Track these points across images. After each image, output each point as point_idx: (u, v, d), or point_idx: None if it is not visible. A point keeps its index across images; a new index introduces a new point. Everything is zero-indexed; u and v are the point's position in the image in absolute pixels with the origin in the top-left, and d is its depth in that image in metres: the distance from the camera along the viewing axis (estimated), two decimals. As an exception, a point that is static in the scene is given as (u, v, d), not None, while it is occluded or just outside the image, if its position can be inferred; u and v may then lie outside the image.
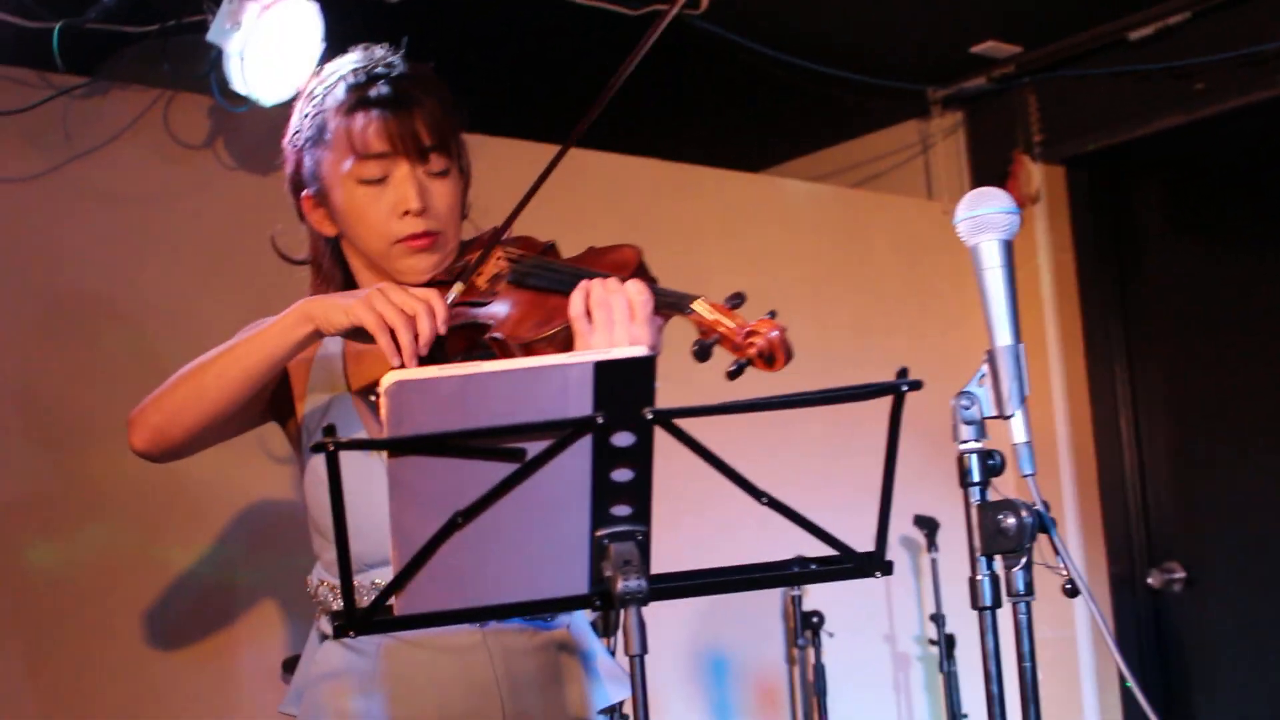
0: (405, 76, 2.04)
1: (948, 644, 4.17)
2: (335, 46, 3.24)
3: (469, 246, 2.08)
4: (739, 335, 1.71)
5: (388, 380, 1.37)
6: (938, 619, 4.20)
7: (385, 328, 1.81)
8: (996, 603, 1.57)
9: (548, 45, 4.12)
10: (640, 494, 1.45)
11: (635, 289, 1.81)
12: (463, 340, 1.92)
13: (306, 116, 2.07)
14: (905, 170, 5.07)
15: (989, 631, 1.58)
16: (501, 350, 1.87)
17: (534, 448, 1.40)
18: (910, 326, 4.66)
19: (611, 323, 1.78)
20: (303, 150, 2.07)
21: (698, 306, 1.77)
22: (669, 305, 1.80)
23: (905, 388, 1.48)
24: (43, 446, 3.08)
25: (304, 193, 2.09)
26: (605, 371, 1.39)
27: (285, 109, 3.26)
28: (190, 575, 3.18)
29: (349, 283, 2.13)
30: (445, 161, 2.04)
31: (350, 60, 2.09)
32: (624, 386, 1.40)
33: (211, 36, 3.11)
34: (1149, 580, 4.66)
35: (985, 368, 1.61)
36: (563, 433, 1.39)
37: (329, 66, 2.11)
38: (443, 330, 1.84)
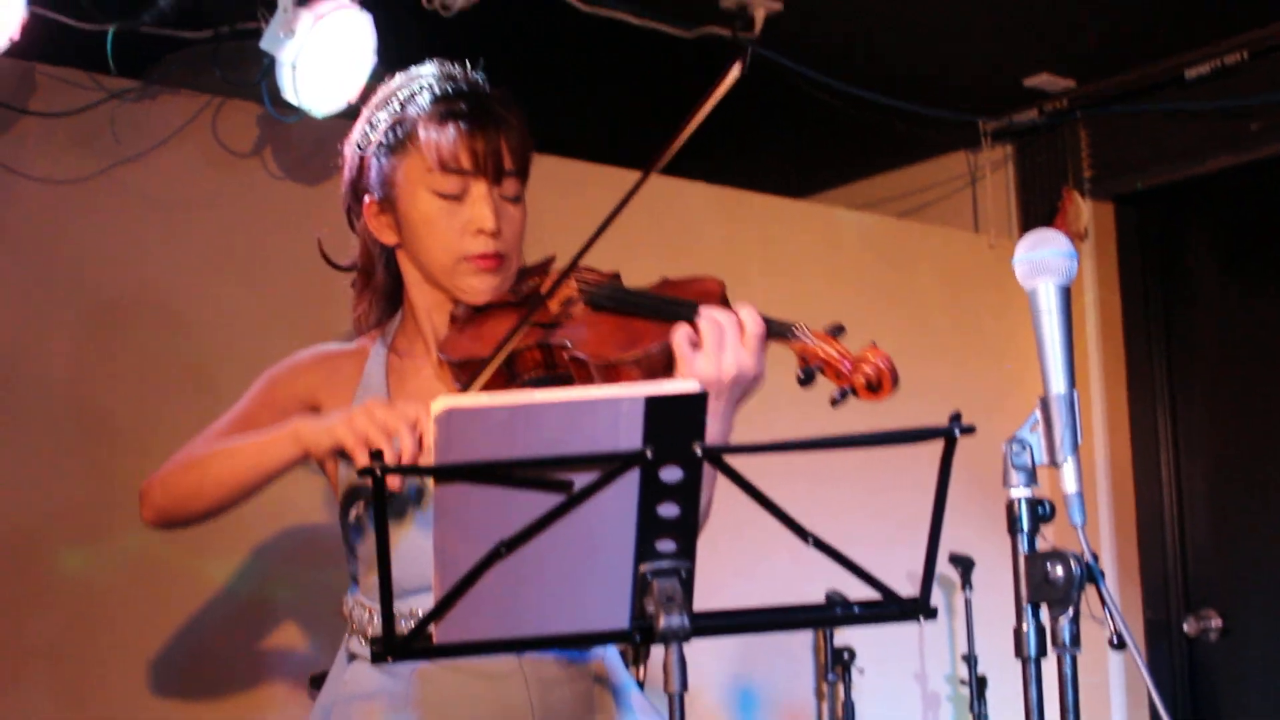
0: (492, 95, 2.03)
1: (979, 686, 4.10)
2: (387, 60, 3.28)
3: (526, 274, 2.06)
4: (845, 363, 1.74)
5: (438, 406, 1.36)
6: (970, 660, 4.13)
7: (365, 446, 1.79)
8: (1041, 653, 1.55)
9: (599, 64, 4.11)
10: (686, 530, 1.44)
11: (749, 314, 1.82)
12: (534, 361, 1.92)
13: (382, 121, 2.04)
14: (952, 202, 5.03)
15: (1033, 682, 1.56)
16: (580, 370, 1.86)
17: (581, 479, 1.40)
18: (954, 360, 4.61)
19: (722, 346, 1.78)
20: (372, 155, 2.04)
21: (802, 334, 1.79)
22: (775, 333, 1.81)
23: (958, 432, 1.46)
24: (82, 453, 3.07)
25: (367, 199, 2.05)
26: (656, 406, 1.38)
27: (335, 120, 3.30)
28: (224, 588, 3.16)
29: (398, 295, 2.11)
30: (519, 187, 2.03)
31: (428, 71, 2.06)
32: (674, 421, 1.39)
33: (265, 44, 3.11)
34: (1184, 627, 4.58)
35: (1038, 414, 1.59)
36: (611, 466, 1.39)
37: (408, 73, 2.07)
38: (426, 451, 1.80)
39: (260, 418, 2.07)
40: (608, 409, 1.39)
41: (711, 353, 1.78)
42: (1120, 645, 1.53)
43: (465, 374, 1.92)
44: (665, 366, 1.82)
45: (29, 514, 2.99)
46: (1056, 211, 4.68)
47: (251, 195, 3.34)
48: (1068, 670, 1.55)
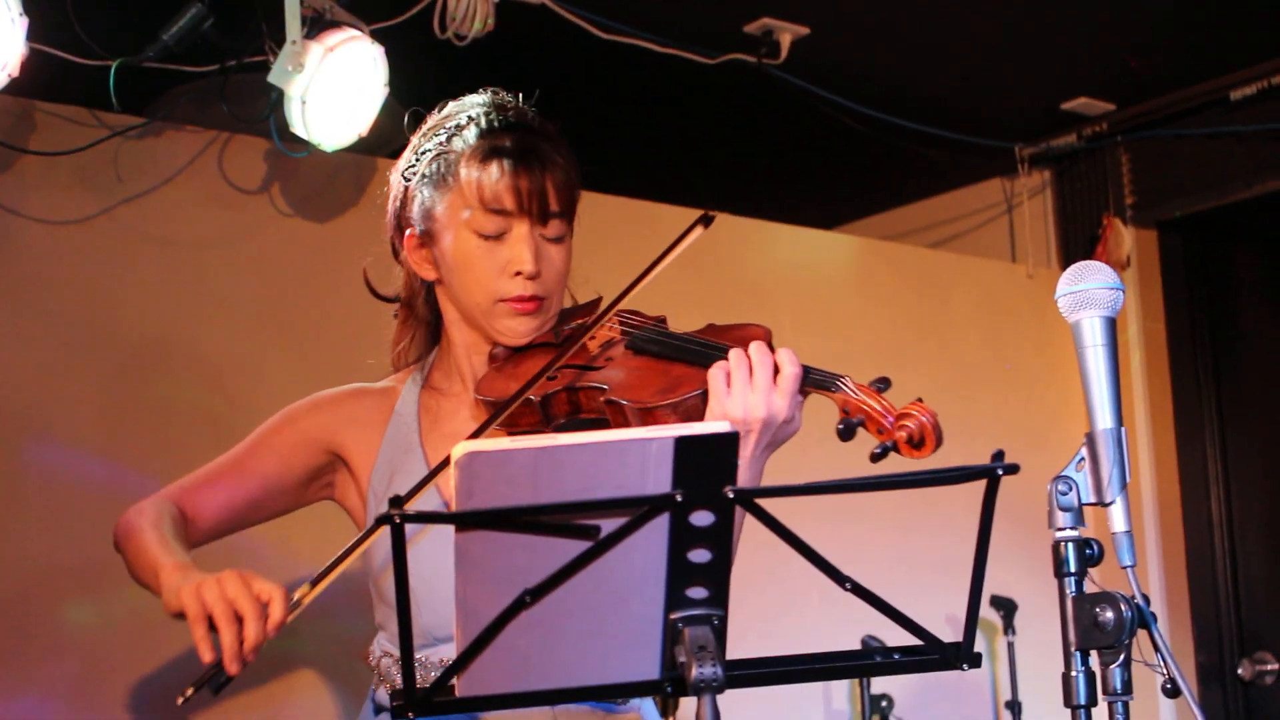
0: (541, 132, 1.97)
1: (1024, 733, 4.01)
2: (399, 92, 3.20)
3: (569, 315, 2.02)
4: (888, 418, 1.71)
5: (459, 451, 1.33)
6: (1014, 707, 4.10)
7: (203, 619, 1.70)
8: (1092, 701, 1.50)
9: (620, 94, 4.05)
10: (718, 576, 1.41)
11: (786, 357, 1.78)
12: (568, 404, 1.89)
13: (427, 153, 1.98)
14: (988, 230, 5.00)
15: None
16: (616, 414, 1.84)
17: (609, 525, 1.37)
18: (992, 394, 4.55)
19: (751, 388, 1.75)
20: (416, 186, 1.99)
21: (845, 385, 1.76)
22: (815, 383, 1.79)
23: (1001, 472, 1.42)
24: (86, 497, 2.99)
25: (409, 231, 2.00)
26: (686, 447, 1.35)
27: (345, 154, 3.22)
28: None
29: (438, 329, 2.07)
30: (563, 228, 1.98)
31: (478, 102, 2.00)
32: (705, 463, 1.35)
33: (273, 78, 3.04)
34: (1239, 671, 4.54)
35: (1084, 451, 1.55)
36: (639, 510, 1.36)
37: (454, 104, 2.02)
38: (273, 635, 1.74)
39: (259, 460, 2.05)
40: (636, 450, 1.35)
41: (739, 393, 1.75)
42: (1174, 692, 1.49)
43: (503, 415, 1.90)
44: (700, 412, 1.81)
45: (33, 563, 2.94)
46: (1097, 240, 4.64)
47: (259, 233, 3.30)
48: (1119, 718, 1.50)
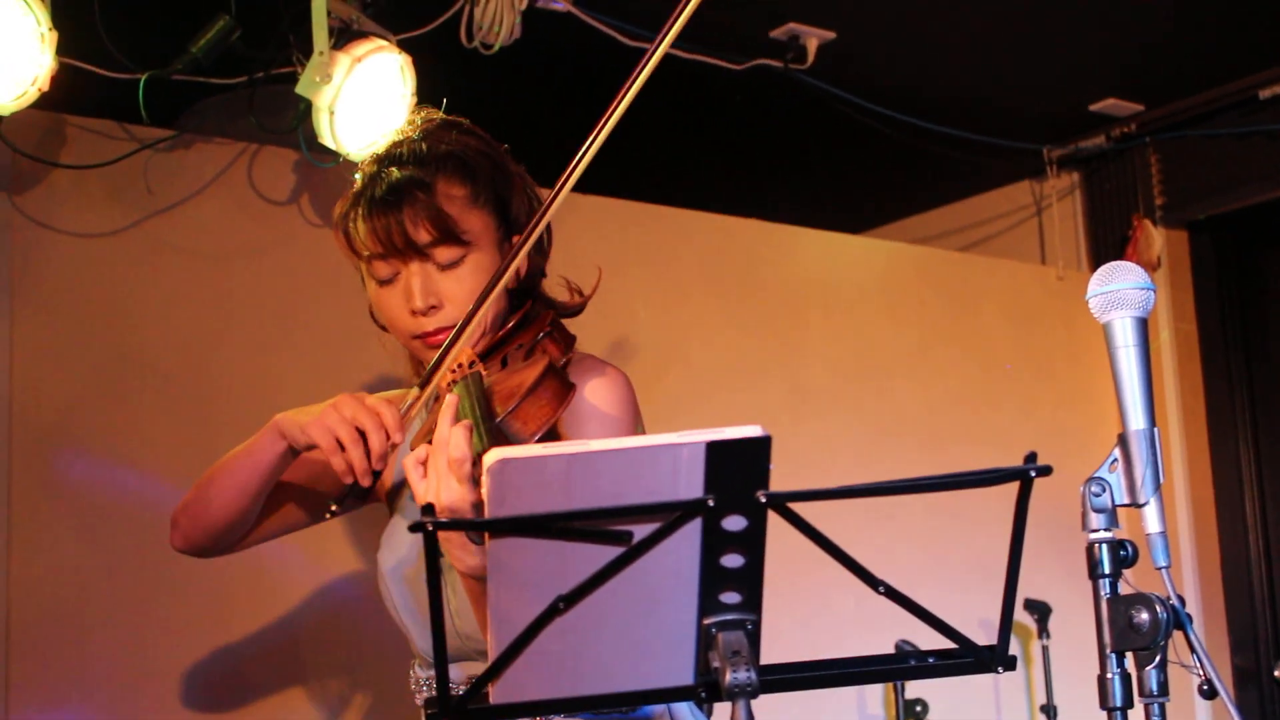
0: (411, 161, 1.94)
1: (1059, 738, 3.98)
2: (427, 101, 3.20)
3: (519, 327, 1.97)
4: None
5: (491, 458, 1.33)
6: (1049, 711, 4.08)
7: (337, 447, 1.85)
8: (1128, 703, 1.49)
9: (646, 100, 4.03)
10: (751, 581, 1.40)
11: (457, 443, 1.70)
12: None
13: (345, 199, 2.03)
14: (1017, 233, 4.98)
15: None
16: None
17: (641, 530, 1.36)
18: (1022, 398, 4.53)
19: (431, 476, 1.73)
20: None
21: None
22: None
23: (1034, 474, 1.40)
24: (118, 513, 3.00)
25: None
26: (718, 452, 1.33)
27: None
28: (273, 654, 3.10)
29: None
30: (456, 251, 1.94)
31: (381, 143, 2.04)
32: (737, 468, 1.34)
33: (300, 89, 3.04)
34: (1275, 673, 4.50)
35: (1117, 452, 1.53)
36: (671, 515, 1.35)
37: (387, 138, 2.05)
38: (396, 440, 1.86)
39: (293, 467, 2.07)
40: (668, 456, 1.34)
41: (419, 483, 1.74)
42: (1211, 694, 1.48)
43: None
44: None
45: (66, 573, 2.93)
46: (1127, 241, 4.63)
47: (289, 244, 3.29)
48: (1156, 719, 1.48)
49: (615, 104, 1.87)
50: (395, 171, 1.92)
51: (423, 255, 1.91)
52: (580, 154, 1.85)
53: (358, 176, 1.99)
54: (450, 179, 1.93)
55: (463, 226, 1.92)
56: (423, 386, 1.89)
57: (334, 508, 1.89)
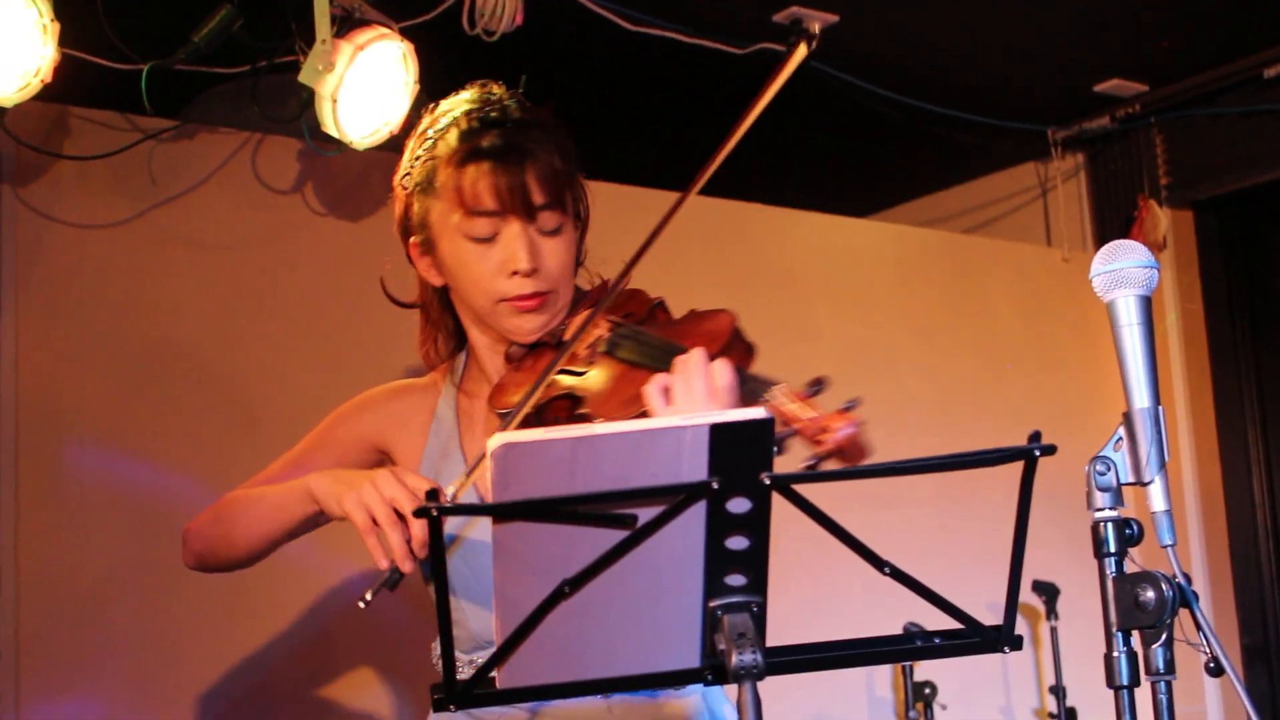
0: (520, 124, 1.93)
1: (1069, 718, 4.01)
2: (430, 88, 3.19)
3: (583, 300, 1.98)
4: (812, 429, 1.63)
5: (495, 442, 1.33)
6: (1058, 691, 4.06)
7: (372, 526, 1.76)
8: (1134, 681, 1.48)
9: (649, 86, 4.03)
10: (756, 563, 1.40)
11: (720, 370, 1.70)
12: (562, 411, 1.85)
13: (418, 159, 1.96)
14: (1023, 215, 4.96)
15: (1126, 712, 1.48)
16: None
17: (645, 514, 1.36)
18: (1029, 379, 4.52)
19: (689, 400, 1.68)
20: (412, 194, 1.98)
21: (773, 395, 1.68)
22: (747, 392, 1.72)
23: (1038, 453, 1.40)
24: (123, 503, 3.00)
25: (411, 239, 2.00)
26: (722, 434, 1.33)
27: (378, 152, 3.22)
28: (286, 651, 3.10)
29: (460, 330, 2.05)
30: (559, 218, 1.94)
31: (464, 100, 1.98)
32: (741, 450, 1.34)
33: (303, 78, 3.04)
34: None
35: (1121, 431, 1.52)
36: (676, 498, 1.35)
37: (443, 105, 2.00)
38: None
39: (314, 459, 2.04)
40: (671, 438, 1.34)
41: (680, 404, 1.69)
42: (1218, 671, 1.46)
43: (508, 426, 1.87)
44: None
45: (75, 567, 2.94)
46: (1133, 221, 4.60)
47: (293, 233, 3.29)
48: (1163, 699, 1.47)
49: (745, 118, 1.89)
50: (508, 131, 1.91)
51: (532, 217, 1.90)
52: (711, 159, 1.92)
53: (437, 130, 1.94)
54: (553, 150, 1.93)
55: (572, 192, 1.95)
56: (554, 360, 1.84)
57: (368, 596, 1.75)
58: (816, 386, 1.67)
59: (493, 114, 1.93)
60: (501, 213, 1.89)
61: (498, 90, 1.98)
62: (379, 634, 3.12)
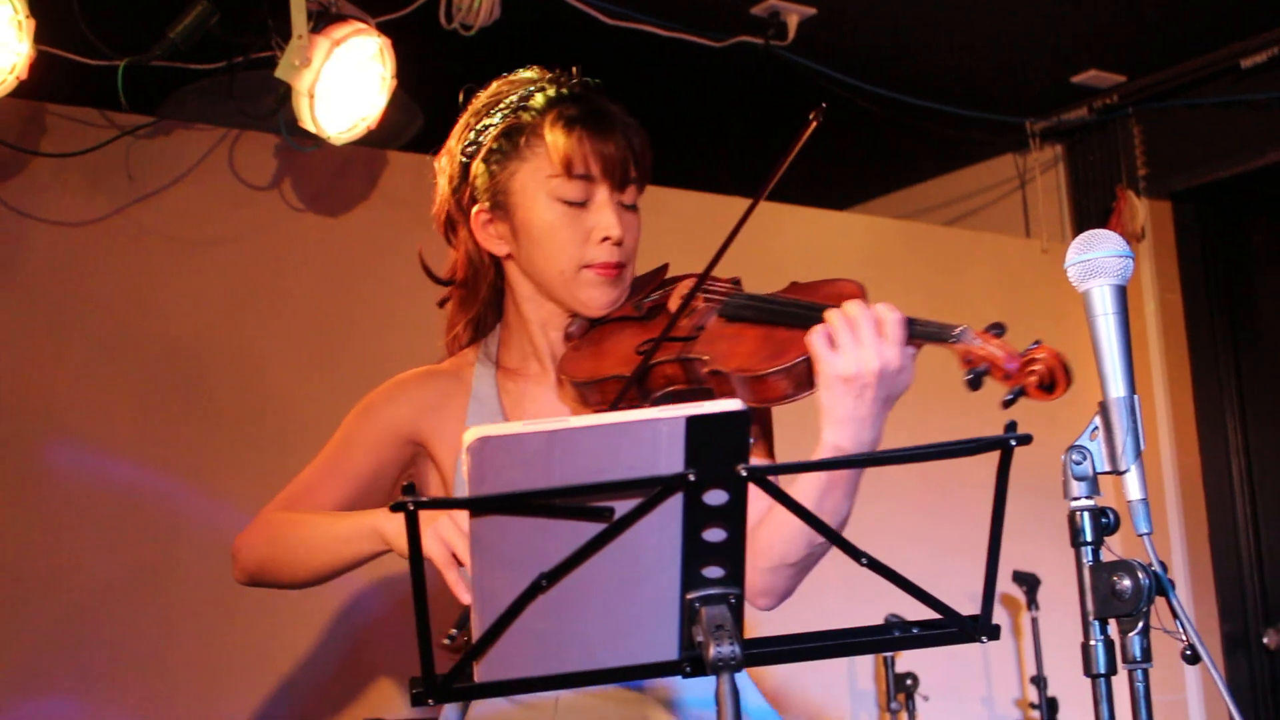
0: (607, 101, 1.97)
1: (1050, 708, 4.02)
2: (407, 84, 3.19)
3: (642, 284, 2.00)
4: (1012, 363, 1.66)
5: (470, 436, 1.33)
6: (1039, 682, 4.05)
7: (454, 564, 1.72)
8: (1111, 670, 1.49)
9: (628, 79, 4.02)
10: (733, 555, 1.40)
11: (885, 307, 1.73)
12: (667, 377, 1.86)
13: (490, 128, 1.94)
14: (1001, 206, 4.95)
15: (1103, 701, 1.49)
16: (722, 385, 1.80)
17: (622, 506, 1.36)
18: None
19: (859, 340, 1.70)
20: (479, 162, 1.95)
21: (963, 335, 1.71)
22: (930, 334, 1.74)
23: (1014, 442, 1.42)
24: (101, 500, 2.99)
25: (476, 208, 1.96)
26: (697, 426, 1.34)
27: (355, 147, 3.22)
28: (280, 651, 3.10)
29: (496, 312, 2.03)
30: (636, 195, 1.98)
31: (534, 75, 1.98)
32: (717, 442, 1.34)
33: (280, 73, 3.03)
34: (1264, 640, 4.49)
35: (1097, 420, 1.53)
36: (652, 490, 1.35)
37: (511, 79, 1.99)
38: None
39: (352, 462, 2.00)
40: (647, 431, 1.34)
41: (849, 349, 1.70)
42: (1194, 659, 1.47)
43: (597, 394, 1.87)
44: (810, 375, 1.75)
45: (54, 552, 2.94)
46: (1111, 212, 4.61)
47: (271, 229, 3.29)
48: (1140, 687, 1.49)
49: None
50: (605, 103, 1.94)
51: (623, 188, 1.93)
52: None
53: (520, 97, 1.93)
54: (637, 130, 1.98)
55: (647, 176, 1.98)
56: (671, 321, 1.87)
57: (453, 632, 1.72)
58: (998, 328, 1.70)
59: (577, 88, 1.95)
60: (599, 179, 1.91)
61: (550, 74, 1.99)
62: (376, 634, 3.12)
